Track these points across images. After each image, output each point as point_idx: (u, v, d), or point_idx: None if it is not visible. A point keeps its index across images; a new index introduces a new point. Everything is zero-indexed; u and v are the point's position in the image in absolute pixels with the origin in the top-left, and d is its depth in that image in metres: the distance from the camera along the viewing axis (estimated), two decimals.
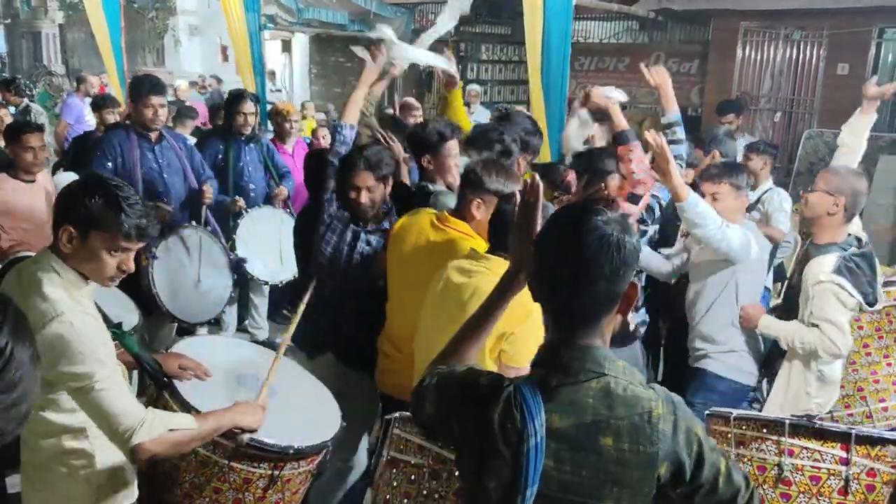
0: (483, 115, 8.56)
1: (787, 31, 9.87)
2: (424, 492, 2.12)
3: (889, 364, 3.51)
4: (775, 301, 5.27)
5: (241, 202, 4.95)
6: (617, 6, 10.25)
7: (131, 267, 2.04)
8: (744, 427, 2.33)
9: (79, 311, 1.94)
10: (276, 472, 2.33)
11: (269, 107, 7.50)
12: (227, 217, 4.97)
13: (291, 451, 2.33)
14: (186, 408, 2.22)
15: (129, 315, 3.37)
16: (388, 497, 2.18)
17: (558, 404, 1.40)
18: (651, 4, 10.20)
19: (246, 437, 2.19)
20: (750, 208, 4.16)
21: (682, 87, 10.90)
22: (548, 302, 1.50)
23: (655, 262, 3.77)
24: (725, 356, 3.37)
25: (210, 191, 4.53)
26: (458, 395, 1.51)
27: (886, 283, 3.81)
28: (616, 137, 3.32)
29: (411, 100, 6.58)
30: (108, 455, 2.07)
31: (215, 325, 5.33)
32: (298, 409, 2.59)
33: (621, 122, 3.28)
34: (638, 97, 10.67)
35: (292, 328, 2.75)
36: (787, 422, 2.28)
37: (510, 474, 1.39)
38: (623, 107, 3.44)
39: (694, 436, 1.44)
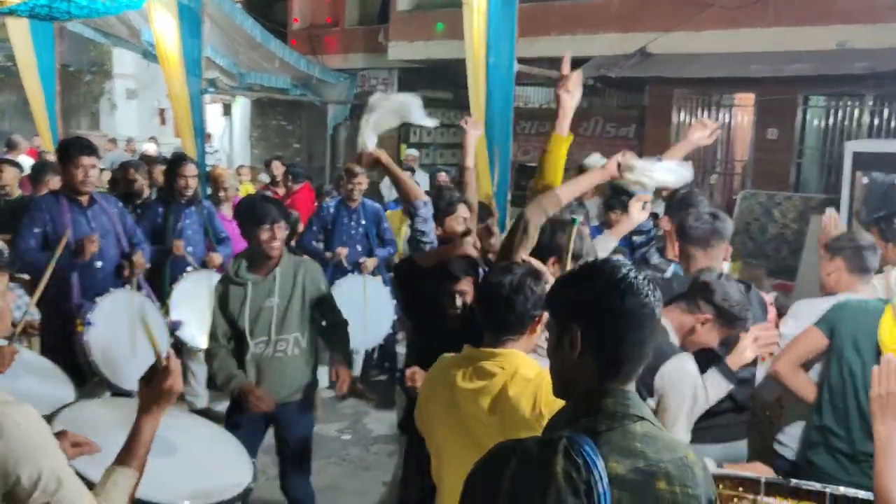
0: (423, 179, 8.55)
1: (718, 98, 10.26)
2: None
3: None
4: None
5: (180, 246, 4.90)
6: (556, 74, 10.52)
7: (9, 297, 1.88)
8: (720, 486, 2.30)
9: (11, 402, 1.68)
10: None
11: (207, 169, 7.41)
12: (161, 281, 4.83)
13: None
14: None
15: (62, 387, 3.15)
16: None
17: (612, 450, 1.40)
18: (589, 72, 10.48)
19: None
20: None
21: (621, 150, 11.15)
22: (596, 351, 1.51)
23: None
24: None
25: (142, 261, 4.39)
26: (512, 469, 1.41)
27: None
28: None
29: (357, 166, 6.52)
30: None
31: None
32: (209, 456, 2.46)
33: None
34: (577, 159, 10.89)
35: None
36: (763, 480, 2.27)
37: None
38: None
39: (712, 482, 1.53)
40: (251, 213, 3.35)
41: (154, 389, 1.88)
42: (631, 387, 1.51)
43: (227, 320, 3.41)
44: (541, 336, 2.29)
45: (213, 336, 3.44)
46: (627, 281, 1.51)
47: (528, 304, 2.19)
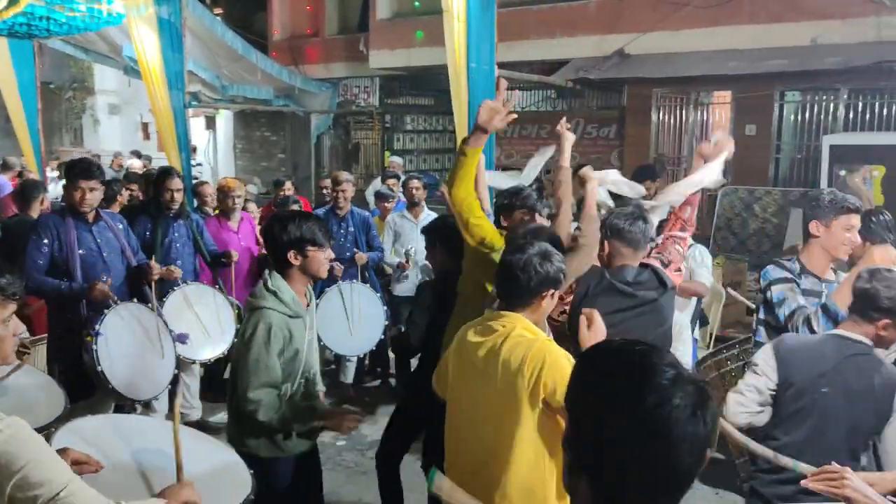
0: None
1: (696, 96, 10.40)
2: None
3: None
4: (703, 351, 5.41)
5: (178, 271, 4.87)
6: (536, 77, 10.61)
7: (21, 326, 1.91)
8: None
9: (3, 417, 1.73)
10: None
11: (193, 182, 7.42)
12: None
13: None
14: None
15: (53, 399, 3.15)
16: None
17: None
18: (569, 74, 10.61)
19: None
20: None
21: (602, 151, 11.31)
22: (589, 476, 1.09)
23: None
24: None
25: (157, 266, 4.48)
26: None
27: None
28: None
29: (343, 173, 6.58)
30: None
31: (145, 407, 5.10)
32: (208, 468, 2.48)
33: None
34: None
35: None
36: None
37: None
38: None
39: None
40: (316, 235, 2.86)
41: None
42: None
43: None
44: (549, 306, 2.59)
45: (268, 384, 2.82)
46: (642, 367, 1.06)
47: (531, 281, 2.45)
